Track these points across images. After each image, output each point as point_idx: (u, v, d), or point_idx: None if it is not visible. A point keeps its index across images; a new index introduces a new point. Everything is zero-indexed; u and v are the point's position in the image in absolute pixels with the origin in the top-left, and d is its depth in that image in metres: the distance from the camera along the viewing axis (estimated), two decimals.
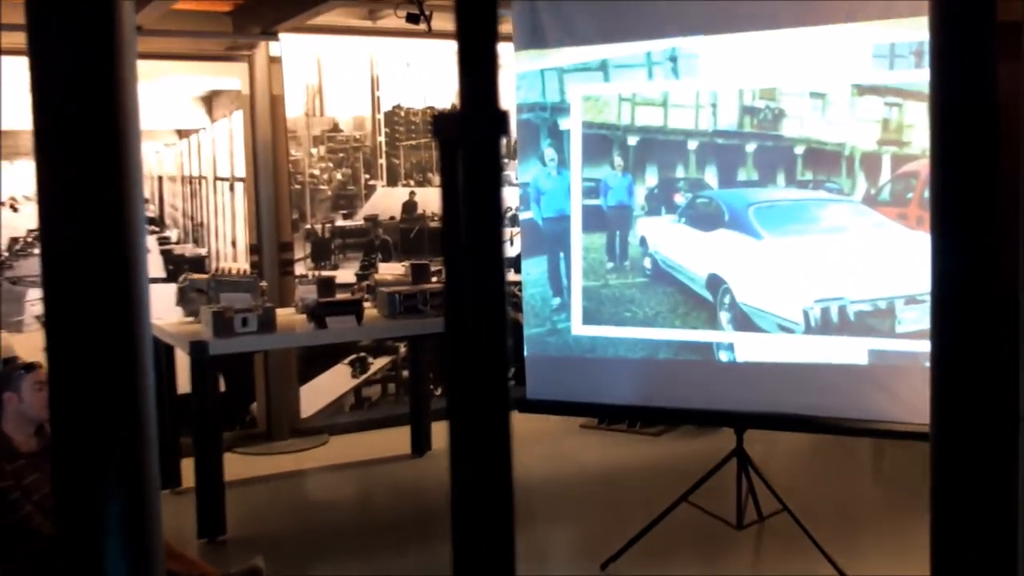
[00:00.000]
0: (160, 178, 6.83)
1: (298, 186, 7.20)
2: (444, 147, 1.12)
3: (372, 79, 7.45)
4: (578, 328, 4.84)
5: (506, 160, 8.11)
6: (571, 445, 6.82)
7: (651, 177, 4.76)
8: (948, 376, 1.80)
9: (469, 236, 1.11)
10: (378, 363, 7.37)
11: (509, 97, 5.27)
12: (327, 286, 6.16)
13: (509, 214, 8.24)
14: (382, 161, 7.53)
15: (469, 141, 1.10)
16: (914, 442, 3.79)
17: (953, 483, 1.76)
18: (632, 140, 4.75)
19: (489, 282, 1.13)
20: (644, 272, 4.80)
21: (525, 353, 4.97)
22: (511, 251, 7.98)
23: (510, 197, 7.85)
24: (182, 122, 6.88)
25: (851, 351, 4.48)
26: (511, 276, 7.99)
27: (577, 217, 4.82)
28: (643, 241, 4.82)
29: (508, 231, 8.28)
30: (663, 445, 6.77)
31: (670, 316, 4.72)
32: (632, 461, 6.42)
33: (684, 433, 6.96)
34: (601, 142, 4.78)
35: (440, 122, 1.12)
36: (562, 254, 4.86)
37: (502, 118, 1.10)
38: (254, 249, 7.10)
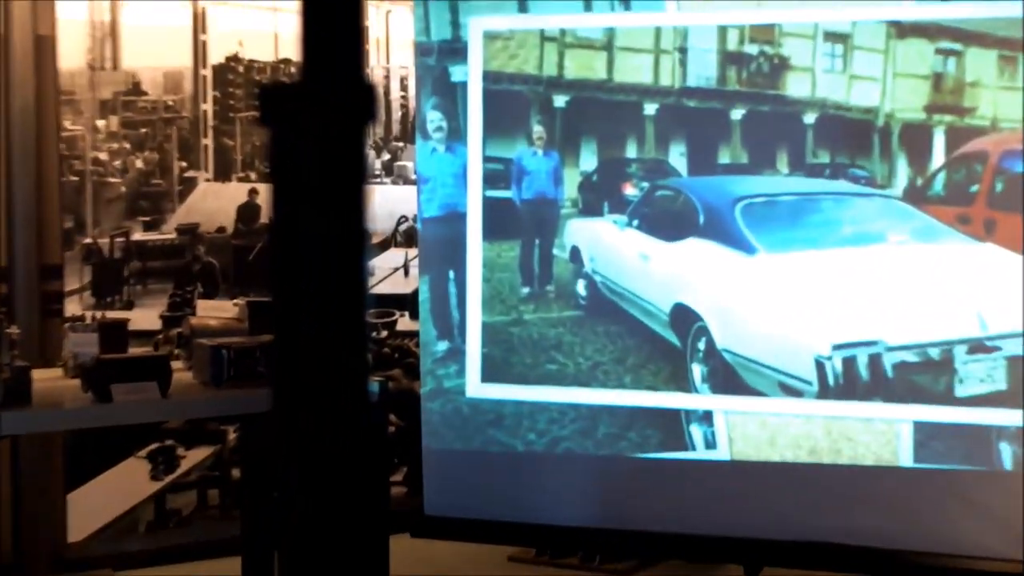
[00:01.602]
0: None
1: (74, 178, 7.14)
2: (279, 136, 1.14)
3: (195, 14, 7.46)
4: (476, 388, 4.81)
5: (401, 145, 8.13)
6: None
7: (588, 157, 4.76)
8: None
9: (314, 267, 1.13)
10: (193, 457, 7.25)
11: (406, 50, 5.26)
12: (115, 335, 6.04)
13: (404, 226, 8.26)
14: (207, 141, 7.50)
15: (316, 129, 1.11)
16: None
17: None
18: (560, 101, 4.75)
19: (344, 334, 1.15)
20: (577, 302, 4.78)
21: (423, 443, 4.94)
22: (406, 284, 7.98)
23: (406, 200, 7.87)
24: None
25: (888, 424, 4.47)
26: (406, 323, 7.98)
27: (475, 217, 4.79)
28: (575, 254, 4.79)
29: (403, 254, 8.26)
30: None
31: (616, 369, 4.69)
32: None
33: (667, 569, 6.91)
34: (513, 103, 4.78)
35: (271, 99, 1.14)
36: (451, 273, 4.84)
37: (367, 94, 1.12)
38: (1, 275, 7.03)
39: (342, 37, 1.15)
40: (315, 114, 1.13)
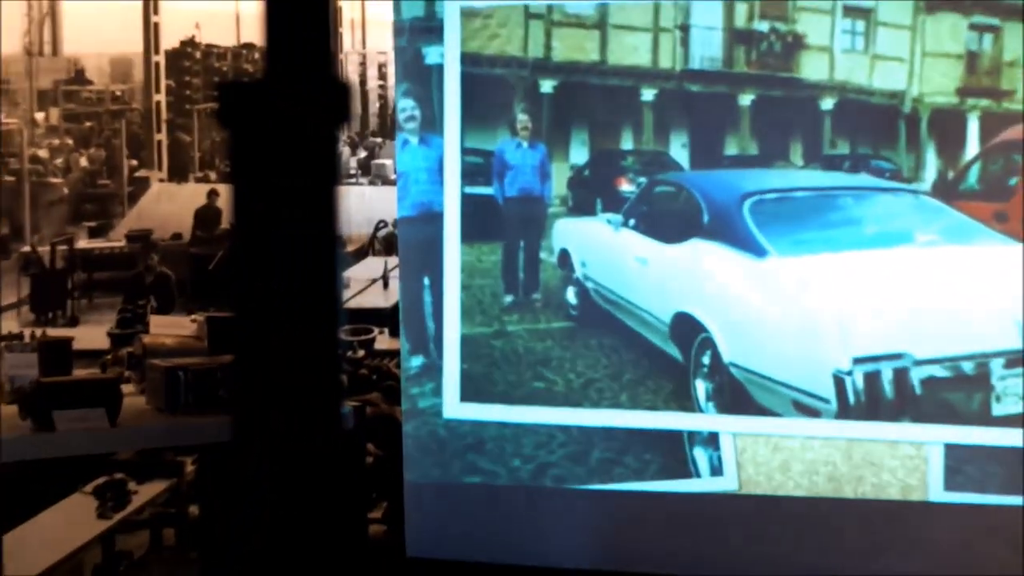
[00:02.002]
0: None
1: (10, 178, 7.15)
2: (241, 138, 1.13)
3: None
4: (454, 408, 4.75)
5: (380, 141, 8.17)
6: None
7: (578, 149, 4.71)
8: None
9: (281, 279, 1.13)
10: (146, 492, 7.23)
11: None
12: (57, 355, 6.03)
13: (383, 231, 8.28)
14: (161, 137, 7.52)
15: (283, 130, 1.12)
16: None
17: None
18: (547, 86, 4.70)
19: (314, 354, 1.15)
20: (567, 311, 4.73)
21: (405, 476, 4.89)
22: (385, 298, 7.97)
23: (385, 202, 7.87)
24: None
25: (917, 448, 4.41)
26: (385, 341, 7.97)
27: (453, 216, 4.73)
28: (565, 258, 4.74)
29: (382, 263, 8.28)
30: None
31: (611, 387, 4.63)
32: None
33: None
34: (494, 88, 4.73)
35: (232, 98, 1.12)
36: (427, 279, 4.78)
37: (340, 93, 1.11)
38: None
39: (311, 23, 1.13)
40: (281, 114, 1.13)
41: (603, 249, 4.73)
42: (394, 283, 7.15)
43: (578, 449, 4.70)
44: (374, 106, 7.85)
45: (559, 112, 4.74)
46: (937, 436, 4.44)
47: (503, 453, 4.75)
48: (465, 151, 4.78)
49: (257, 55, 8.22)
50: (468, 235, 4.78)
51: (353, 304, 7.93)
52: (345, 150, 8.55)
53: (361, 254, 8.35)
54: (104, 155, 7.22)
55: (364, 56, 7.66)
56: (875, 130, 4.51)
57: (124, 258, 7.58)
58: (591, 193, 4.74)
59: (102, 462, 7.15)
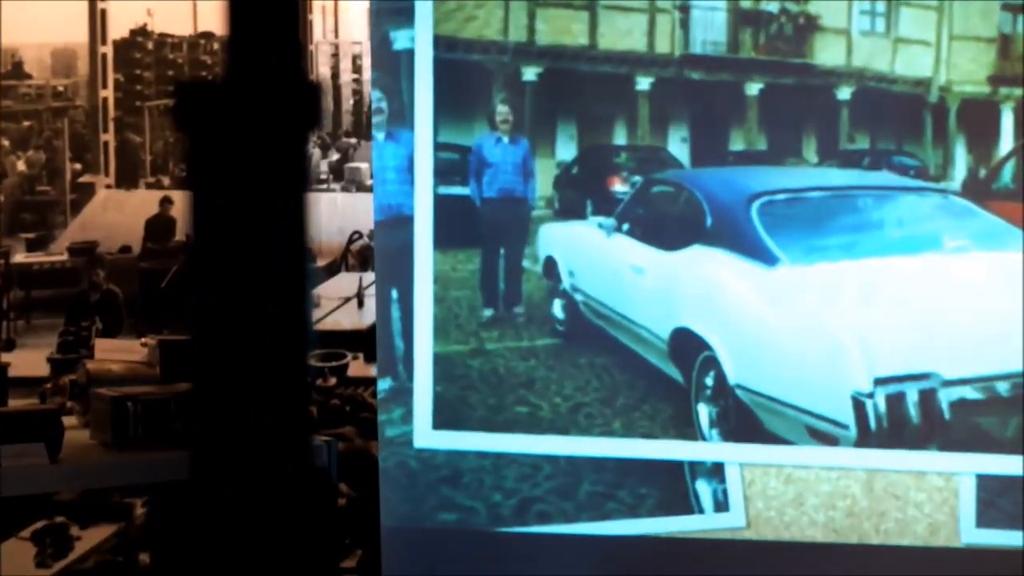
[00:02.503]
0: None
1: None
2: (199, 144, 1.17)
3: None
4: (426, 436, 4.75)
5: (354, 142, 8.15)
6: None
7: (566, 144, 4.73)
8: None
9: (242, 297, 1.17)
10: (91, 538, 7.24)
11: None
12: None
13: (357, 243, 8.25)
14: (108, 137, 7.50)
15: (245, 135, 1.14)
16: None
17: None
18: (530, 73, 4.72)
19: (279, 383, 1.18)
20: (553, 326, 4.76)
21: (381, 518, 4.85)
22: (360, 318, 7.95)
23: (360, 210, 7.84)
24: None
25: (946, 479, 4.43)
26: (359, 367, 7.95)
27: (424, 220, 4.74)
28: (551, 267, 4.76)
29: (356, 279, 8.27)
30: None
31: (603, 412, 4.64)
32: None
33: None
34: (471, 77, 4.75)
35: (189, 100, 1.17)
36: (394, 291, 4.80)
37: (309, 94, 1.16)
38: None
39: (277, 10, 1.18)
40: (243, 113, 1.16)
41: (594, 257, 4.74)
42: (370, 301, 7.12)
43: (566, 482, 4.69)
44: (348, 103, 7.86)
45: (544, 103, 4.77)
46: (968, 466, 4.47)
47: (482, 487, 4.74)
48: (438, 147, 4.78)
49: (216, 45, 8.24)
50: (442, 241, 4.77)
51: (324, 325, 7.93)
52: (315, 152, 8.51)
53: (333, 269, 8.37)
54: (44, 158, 7.21)
55: (337, 47, 7.68)
56: (898, 122, 4.53)
57: (66, 274, 7.55)
58: (580, 194, 4.75)
59: (41, 504, 7.15)
